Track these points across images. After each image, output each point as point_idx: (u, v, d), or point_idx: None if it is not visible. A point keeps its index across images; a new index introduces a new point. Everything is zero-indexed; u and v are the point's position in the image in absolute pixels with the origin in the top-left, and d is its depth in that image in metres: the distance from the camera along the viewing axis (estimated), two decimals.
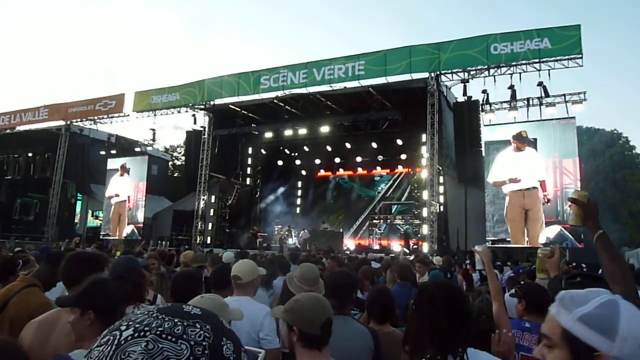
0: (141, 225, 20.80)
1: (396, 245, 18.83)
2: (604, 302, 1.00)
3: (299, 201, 25.18)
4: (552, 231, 13.52)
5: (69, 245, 9.50)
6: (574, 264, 9.93)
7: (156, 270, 4.57)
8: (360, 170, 23.44)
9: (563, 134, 13.97)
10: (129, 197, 21.26)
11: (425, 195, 16.15)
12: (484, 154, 15.20)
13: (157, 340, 0.60)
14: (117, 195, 21.50)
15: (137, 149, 23.74)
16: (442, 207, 16.28)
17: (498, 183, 14.39)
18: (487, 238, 14.14)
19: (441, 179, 16.57)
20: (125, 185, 21.44)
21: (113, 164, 22.42)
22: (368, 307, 3.09)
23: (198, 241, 19.24)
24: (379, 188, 23.55)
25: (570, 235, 13.23)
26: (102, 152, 22.83)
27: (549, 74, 14.59)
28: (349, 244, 20.19)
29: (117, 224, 21.33)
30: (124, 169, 21.59)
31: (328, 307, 1.96)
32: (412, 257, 11.81)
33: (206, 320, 0.65)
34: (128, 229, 21.00)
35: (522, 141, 14.16)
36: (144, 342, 0.59)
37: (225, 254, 6.75)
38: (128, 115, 22.11)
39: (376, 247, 19.32)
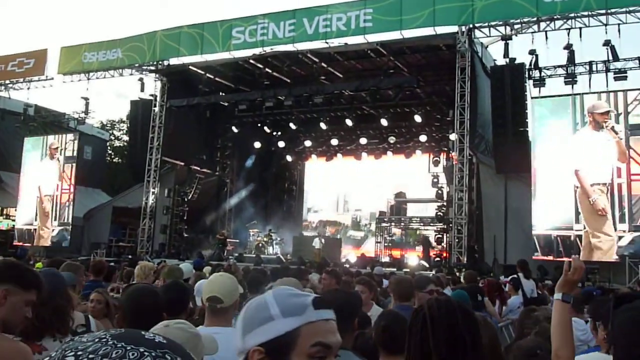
0: (68, 227, 20.74)
1: (412, 257, 18.97)
2: None
3: (283, 197, 25.15)
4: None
5: None
6: None
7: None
8: (365, 156, 23.46)
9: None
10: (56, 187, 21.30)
11: (451, 190, 16.17)
12: (531, 135, 15.25)
13: None
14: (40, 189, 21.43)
15: (65, 125, 23.57)
16: (474, 206, 16.36)
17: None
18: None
19: (474, 169, 16.62)
20: (54, 173, 21.43)
21: (32, 144, 22.18)
22: (376, 335, 3.15)
23: (145, 249, 19.21)
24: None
25: None
26: (17, 125, 22.66)
27: (619, 30, 14.60)
28: (350, 254, 20.27)
29: (43, 225, 21.31)
30: (55, 151, 21.47)
31: None
32: (432, 273, 11.95)
33: (175, 351, 0.70)
34: (55, 232, 20.95)
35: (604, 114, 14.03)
36: None
37: (182, 265, 6.74)
38: (52, 78, 22.00)
39: (386, 259, 19.41)
